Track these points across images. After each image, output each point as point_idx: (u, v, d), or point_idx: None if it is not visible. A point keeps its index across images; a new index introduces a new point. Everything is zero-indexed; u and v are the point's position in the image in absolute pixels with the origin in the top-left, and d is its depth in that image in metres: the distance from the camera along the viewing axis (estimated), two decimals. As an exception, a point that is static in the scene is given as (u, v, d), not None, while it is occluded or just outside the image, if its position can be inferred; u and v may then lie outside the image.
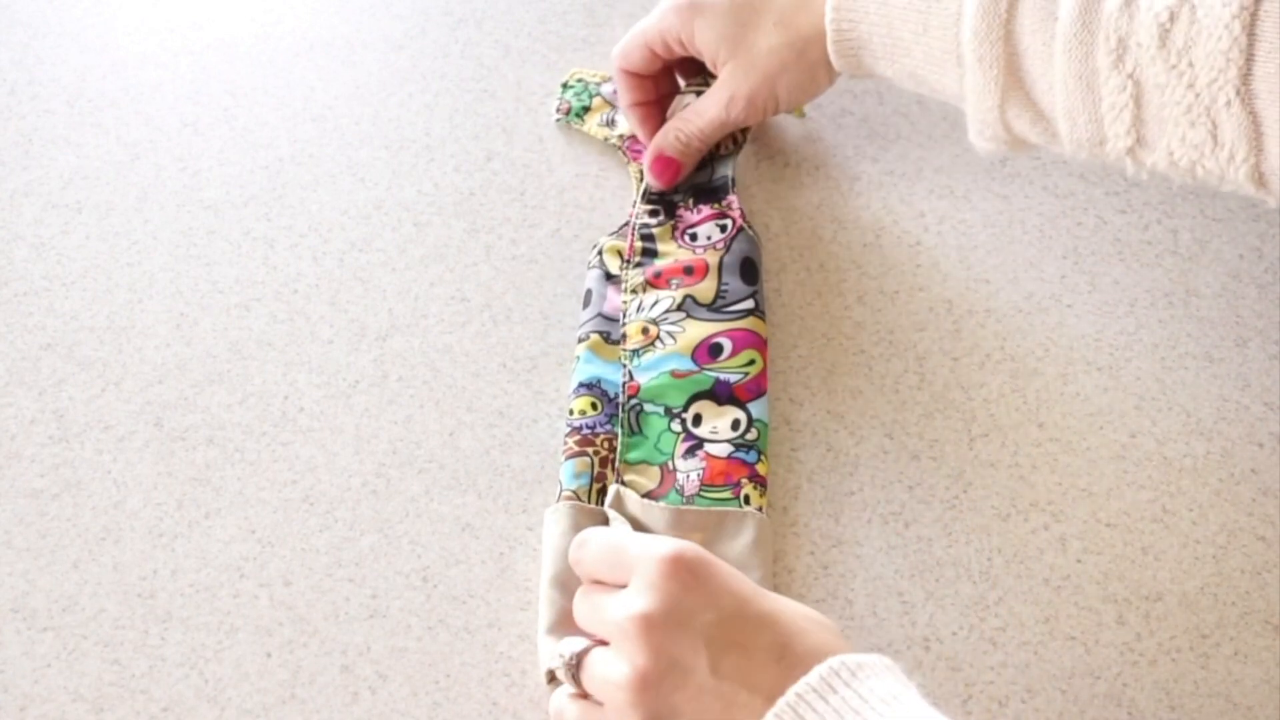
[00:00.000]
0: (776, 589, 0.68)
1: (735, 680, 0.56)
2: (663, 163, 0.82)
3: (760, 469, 0.71)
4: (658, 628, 0.57)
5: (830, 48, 0.74)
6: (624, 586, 0.59)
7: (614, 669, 0.57)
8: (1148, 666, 0.66)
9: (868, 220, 0.84)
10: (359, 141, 0.87)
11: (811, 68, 0.77)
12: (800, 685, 0.54)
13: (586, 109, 0.88)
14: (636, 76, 0.83)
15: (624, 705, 0.57)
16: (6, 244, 0.82)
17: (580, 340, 0.76)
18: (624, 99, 0.83)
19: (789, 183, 0.85)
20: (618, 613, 0.58)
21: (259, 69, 0.92)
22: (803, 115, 0.87)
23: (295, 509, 0.71)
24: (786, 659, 0.56)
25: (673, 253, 0.79)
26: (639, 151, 0.85)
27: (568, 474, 0.71)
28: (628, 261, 0.79)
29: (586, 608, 0.61)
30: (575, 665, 0.60)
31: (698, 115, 0.80)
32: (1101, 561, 0.69)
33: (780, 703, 0.54)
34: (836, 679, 0.54)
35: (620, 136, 0.86)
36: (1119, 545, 0.70)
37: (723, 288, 0.77)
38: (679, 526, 0.68)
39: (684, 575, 0.58)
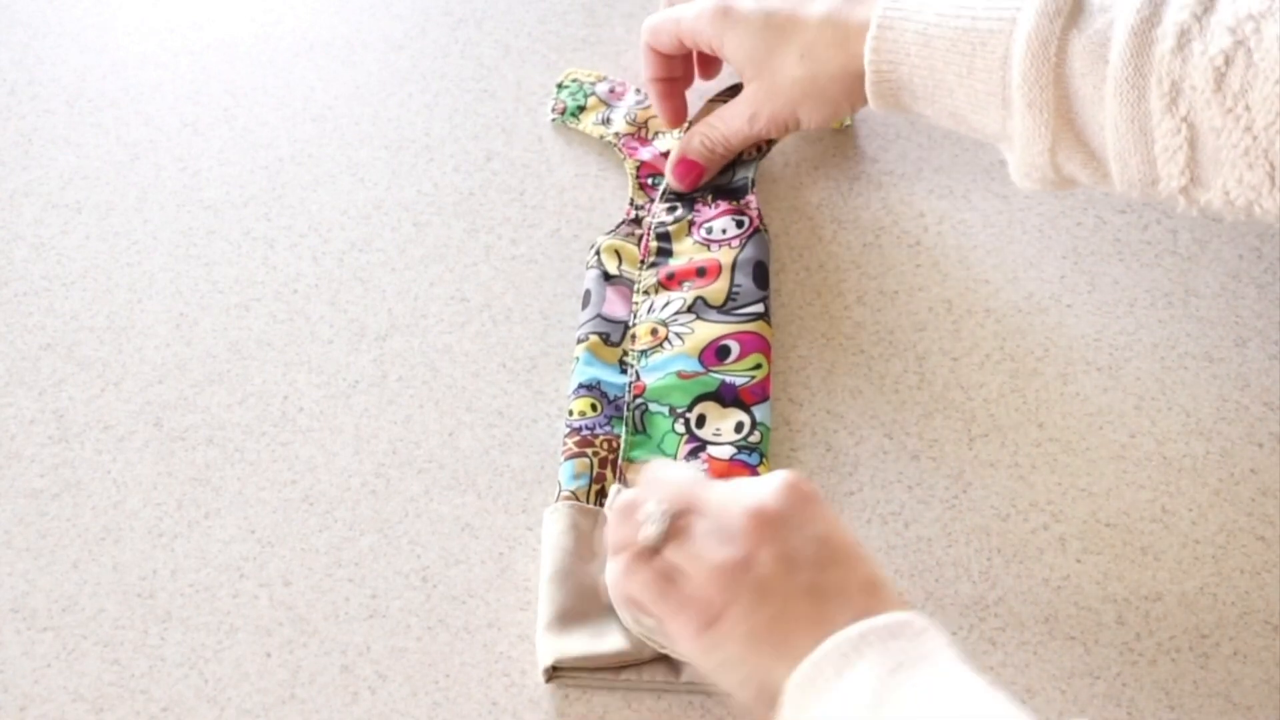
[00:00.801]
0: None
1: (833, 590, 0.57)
2: (686, 165, 0.82)
3: (762, 471, 0.71)
4: (775, 522, 0.58)
5: (869, 88, 0.74)
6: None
7: (721, 549, 0.58)
8: (1147, 666, 0.66)
9: (868, 220, 0.84)
10: (359, 141, 0.87)
11: (834, 101, 0.78)
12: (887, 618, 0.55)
13: (582, 108, 0.88)
14: (661, 55, 0.83)
15: (721, 581, 0.57)
16: (6, 244, 0.82)
17: (579, 341, 0.76)
18: (647, 72, 0.84)
19: (789, 183, 0.85)
20: (739, 501, 0.59)
21: (259, 69, 0.92)
22: (841, 126, 0.87)
23: (295, 509, 0.71)
24: (877, 594, 0.57)
25: (688, 251, 0.80)
26: (635, 149, 0.85)
27: (567, 474, 0.71)
28: (642, 262, 0.79)
29: (680, 485, 0.61)
30: (667, 523, 0.60)
31: (723, 123, 0.81)
32: (1101, 561, 0.69)
33: (863, 625, 0.55)
34: (908, 629, 0.55)
35: (616, 135, 0.86)
36: (1119, 545, 0.70)
37: (734, 288, 0.77)
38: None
39: (803, 493, 0.60)
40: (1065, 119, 0.67)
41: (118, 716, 0.64)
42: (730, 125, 0.81)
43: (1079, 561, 0.69)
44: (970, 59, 0.70)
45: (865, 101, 0.76)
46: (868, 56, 0.73)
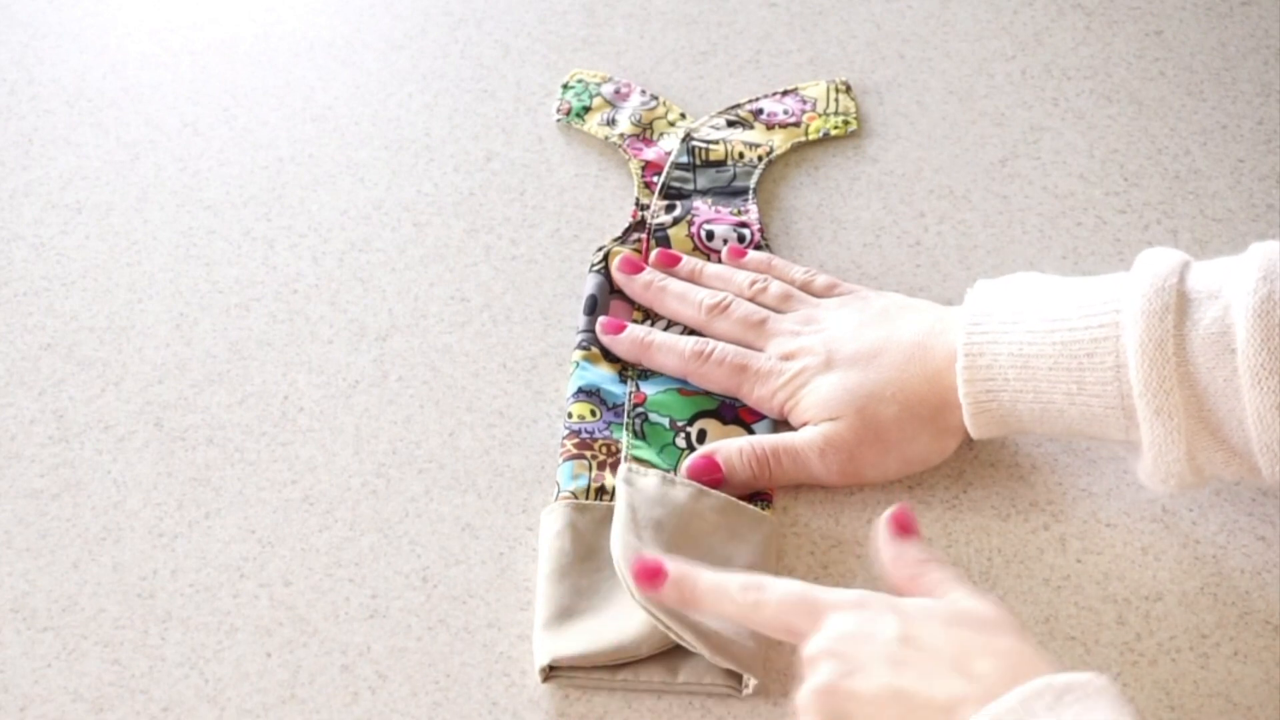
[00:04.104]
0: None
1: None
2: (708, 464, 0.70)
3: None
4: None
5: (968, 420, 0.69)
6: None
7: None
8: (1148, 666, 0.66)
9: (868, 220, 0.84)
10: (359, 141, 0.87)
11: (930, 447, 0.71)
12: (997, 706, 0.52)
13: (587, 109, 0.88)
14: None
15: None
16: (6, 244, 0.82)
17: (579, 347, 0.76)
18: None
19: (789, 183, 0.85)
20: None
21: (259, 69, 0.92)
22: (843, 129, 0.87)
23: (295, 509, 0.71)
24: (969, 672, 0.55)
25: (686, 253, 0.80)
26: (639, 149, 0.85)
27: (565, 475, 0.71)
28: None
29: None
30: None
31: (789, 456, 0.70)
32: (1101, 561, 0.69)
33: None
34: (1038, 701, 0.52)
35: (620, 135, 0.86)
36: (1119, 545, 0.70)
37: None
38: (696, 509, 0.68)
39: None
40: (1198, 419, 0.63)
41: (118, 716, 0.64)
42: (796, 462, 0.70)
43: (1079, 561, 0.69)
44: (1078, 375, 0.65)
45: (964, 434, 0.70)
46: (961, 389, 0.68)
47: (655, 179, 0.84)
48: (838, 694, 0.55)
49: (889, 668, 0.55)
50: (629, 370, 0.75)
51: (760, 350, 0.74)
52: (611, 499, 0.70)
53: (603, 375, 0.75)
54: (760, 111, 0.88)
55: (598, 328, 0.76)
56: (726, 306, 0.75)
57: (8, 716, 0.64)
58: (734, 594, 0.61)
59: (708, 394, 0.74)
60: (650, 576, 0.62)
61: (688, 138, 0.86)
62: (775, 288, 0.76)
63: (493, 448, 0.73)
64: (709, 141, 0.85)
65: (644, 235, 0.81)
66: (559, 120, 0.88)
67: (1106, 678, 0.53)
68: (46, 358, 0.77)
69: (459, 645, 0.66)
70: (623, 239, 0.81)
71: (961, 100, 0.90)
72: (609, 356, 0.76)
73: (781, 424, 0.73)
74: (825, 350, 0.72)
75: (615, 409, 0.73)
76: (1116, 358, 0.65)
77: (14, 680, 0.65)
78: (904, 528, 0.63)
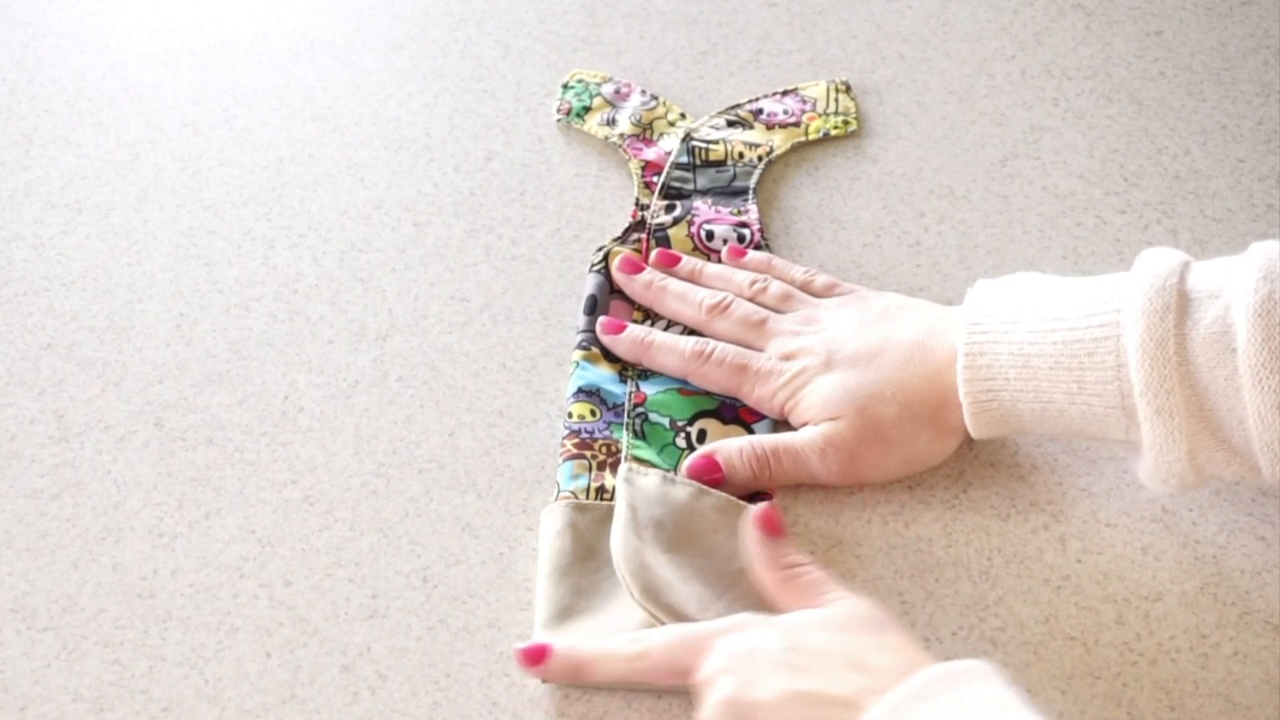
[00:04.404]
0: (776, 589, 0.68)
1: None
2: (708, 463, 0.70)
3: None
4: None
5: (969, 420, 0.69)
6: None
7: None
8: (1147, 666, 0.66)
9: (868, 220, 0.84)
10: (359, 141, 0.87)
11: (929, 448, 0.72)
12: (900, 692, 0.54)
13: (587, 109, 0.88)
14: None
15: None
16: (6, 244, 0.82)
17: (579, 347, 0.76)
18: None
19: (789, 183, 0.85)
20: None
21: (259, 69, 0.92)
22: (843, 129, 0.87)
23: (295, 509, 0.71)
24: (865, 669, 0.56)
25: (686, 253, 0.80)
26: (639, 149, 0.85)
27: (565, 475, 0.71)
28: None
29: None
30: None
31: (790, 457, 0.70)
32: (1101, 561, 0.69)
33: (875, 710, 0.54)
34: (937, 685, 0.54)
35: (621, 135, 0.86)
36: (1119, 545, 0.70)
37: None
38: (697, 509, 0.68)
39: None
40: (1199, 419, 0.63)
41: (118, 716, 0.64)
42: (796, 461, 0.70)
43: (1079, 561, 0.69)
44: (1079, 374, 0.65)
45: (964, 434, 0.70)
46: (962, 389, 0.68)
47: (655, 179, 0.84)
48: (741, 704, 0.57)
49: (785, 674, 0.57)
50: (629, 370, 0.75)
51: (760, 350, 0.74)
52: (611, 499, 0.70)
53: (603, 375, 0.75)
54: (760, 111, 0.88)
55: (598, 328, 0.76)
56: (727, 306, 0.75)
57: (8, 716, 0.64)
58: (618, 652, 0.62)
59: (708, 394, 0.74)
60: (535, 658, 0.63)
61: (688, 138, 0.86)
62: (775, 288, 0.76)
63: (493, 448, 0.73)
64: (709, 141, 0.86)
65: (644, 235, 0.81)
66: (559, 120, 0.88)
67: (989, 664, 0.55)
68: (46, 358, 0.77)
69: (459, 645, 0.66)
70: (623, 239, 0.81)
71: (961, 100, 0.90)
72: (609, 356, 0.76)
73: (781, 424, 0.73)
74: (825, 350, 0.72)
75: (615, 409, 0.74)
76: (1117, 357, 0.65)
77: (14, 680, 0.65)
78: (772, 528, 0.64)
